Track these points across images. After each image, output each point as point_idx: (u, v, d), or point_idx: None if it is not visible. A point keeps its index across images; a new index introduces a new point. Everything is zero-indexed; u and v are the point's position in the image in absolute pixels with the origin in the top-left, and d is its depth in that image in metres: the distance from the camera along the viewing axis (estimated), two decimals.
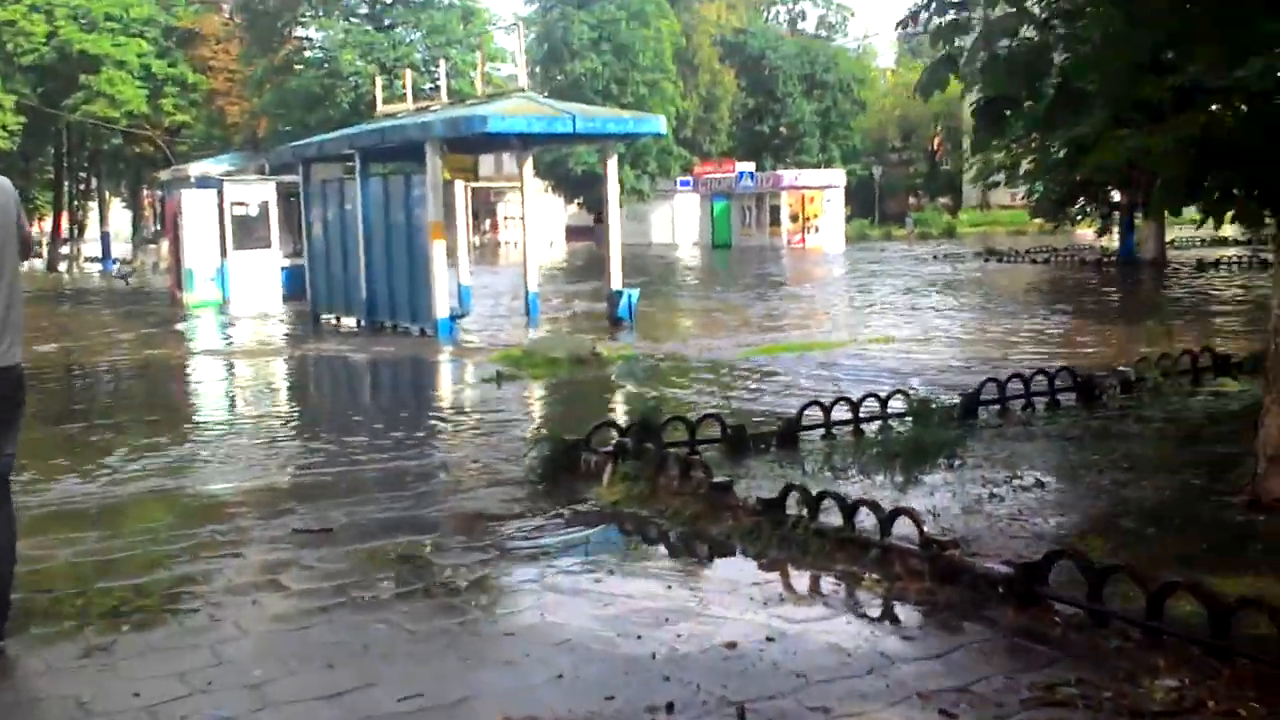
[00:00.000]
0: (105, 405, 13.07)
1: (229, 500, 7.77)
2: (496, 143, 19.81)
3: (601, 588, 5.44)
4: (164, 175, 30.40)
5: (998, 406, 9.47)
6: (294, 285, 26.02)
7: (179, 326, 21.71)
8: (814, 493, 6.04)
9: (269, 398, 13.45)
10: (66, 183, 53.05)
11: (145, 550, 6.34)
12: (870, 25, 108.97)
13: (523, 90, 18.70)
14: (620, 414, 10.46)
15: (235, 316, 23.77)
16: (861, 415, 8.93)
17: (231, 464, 8.89)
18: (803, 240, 56.22)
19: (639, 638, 4.68)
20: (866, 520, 5.67)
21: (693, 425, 8.32)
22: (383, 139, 18.95)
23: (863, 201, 70.61)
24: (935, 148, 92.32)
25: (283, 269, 26.65)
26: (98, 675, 4.45)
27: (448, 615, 5.10)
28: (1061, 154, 29.01)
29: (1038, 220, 66.11)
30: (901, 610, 4.96)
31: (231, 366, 16.61)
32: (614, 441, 7.76)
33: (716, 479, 6.65)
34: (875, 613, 4.99)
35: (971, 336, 16.38)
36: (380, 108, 22.20)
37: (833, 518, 5.86)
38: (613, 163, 19.39)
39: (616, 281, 19.49)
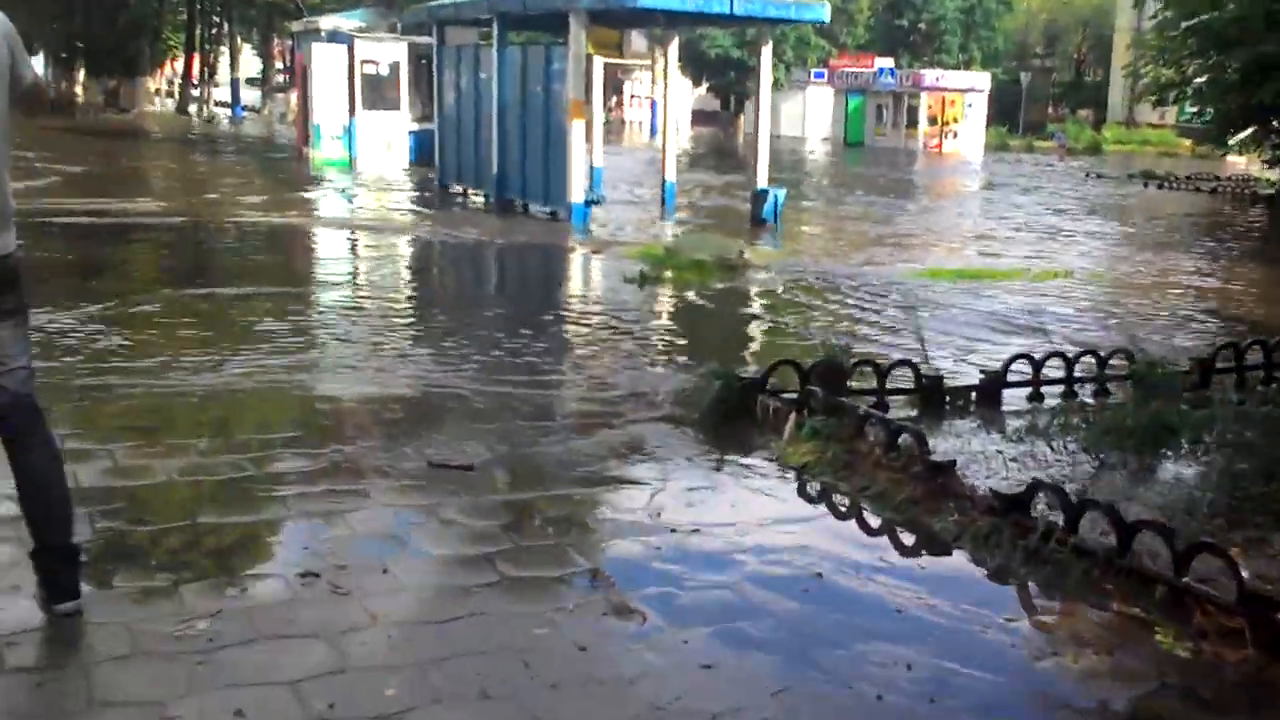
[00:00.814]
0: (225, 272, 12.28)
1: (354, 411, 6.84)
2: (643, 19, 18.37)
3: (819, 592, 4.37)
4: (295, 26, 29.47)
5: (1234, 376, 8.09)
6: (421, 150, 25.13)
7: (304, 187, 20.92)
8: (1073, 498, 4.84)
9: (399, 286, 12.27)
10: (199, 25, 52.55)
11: (259, 475, 5.42)
12: None
13: None
14: (782, 342, 9.29)
15: (361, 179, 22.94)
16: (1075, 375, 7.66)
17: (358, 366, 7.92)
18: (939, 145, 53.57)
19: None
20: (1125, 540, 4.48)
21: (884, 371, 7.14)
22: (525, 6, 17.62)
23: (1003, 108, 67.20)
24: (1081, 56, 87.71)
25: (411, 133, 25.74)
26: (192, 673, 3.51)
27: (624, 619, 4.08)
28: (1238, 76, 26.88)
29: (1187, 143, 63.45)
30: (1218, 691, 3.79)
31: (358, 243, 15.42)
32: (796, 389, 6.64)
33: (934, 456, 5.49)
34: (1179, 680, 3.83)
35: (1159, 279, 14.76)
36: None
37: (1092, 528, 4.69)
38: (767, 50, 17.91)
39: (763, 178, 18.12)
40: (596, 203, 17.56)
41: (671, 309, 11.11)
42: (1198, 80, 30.55)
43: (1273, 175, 34.28)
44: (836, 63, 58.87)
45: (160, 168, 24.79)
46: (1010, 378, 7.44)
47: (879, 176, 32.08)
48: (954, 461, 5.44)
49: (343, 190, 20.93)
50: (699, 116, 67.83)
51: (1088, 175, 36.25)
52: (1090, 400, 7.55)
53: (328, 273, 13.50)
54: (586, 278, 13.55)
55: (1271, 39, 26.57)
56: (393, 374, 7.64)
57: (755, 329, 10.07)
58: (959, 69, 61.83)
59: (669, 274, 12.77)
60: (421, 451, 5.84)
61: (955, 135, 54.16)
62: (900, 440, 5.67)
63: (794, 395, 6.57)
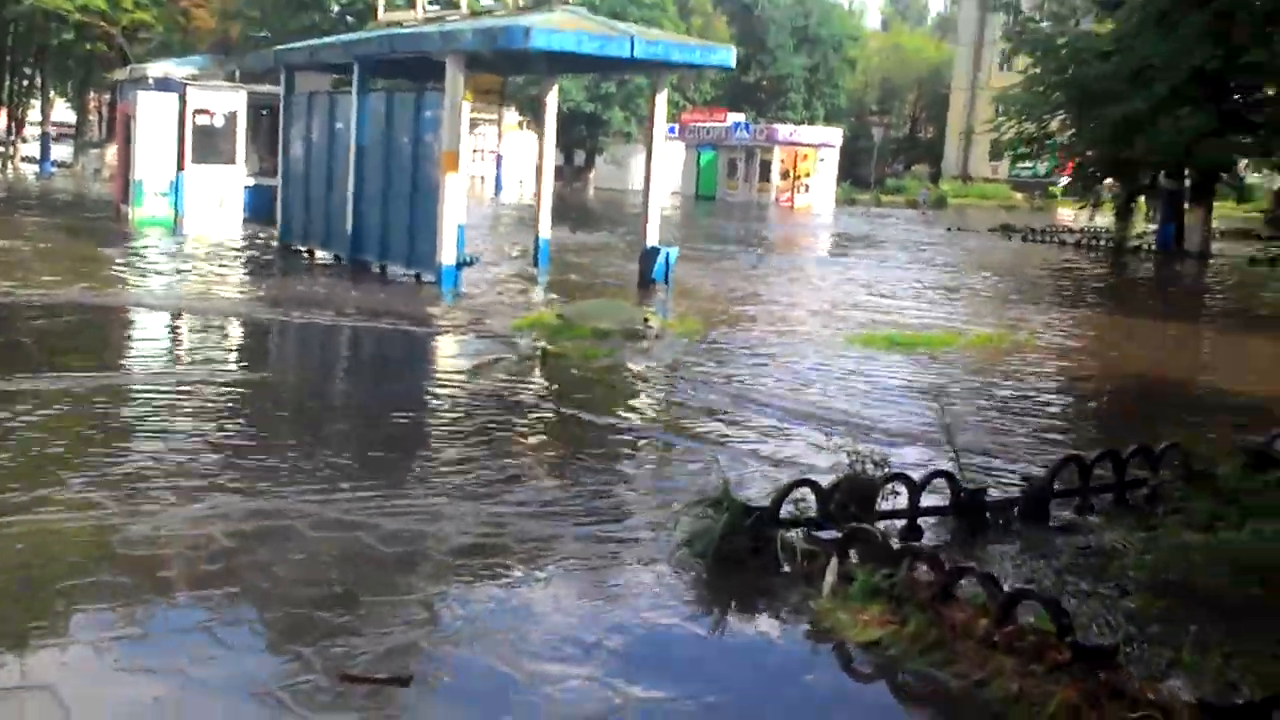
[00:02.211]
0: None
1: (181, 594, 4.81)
2: (529, 63, 16.62)
3: None
4: (120, 74, 26.73)
5: None
6: (258, 207, 22.81)
7: (119, 251, 18.00)
8: None
9: (230, 405, 8.25)
10: (8, 77, 48.55)
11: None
12: None
13: (565, 2, 15.51)
14: (763, 444, 7.58)
15: (188, 239, 20.42)
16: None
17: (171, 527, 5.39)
18: (790, 200, 53.34)
19: None
20: None
21: (918, 486, 5.50)
22: (392, 48, 15.72)
23: (844, 164, 67.86)
24: (916, 114, 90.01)
25: (247, 188, 23.35)
26: None
27: None
28: (1108, 131, 26.72)
29: (1019, 196, 65.08)
30: None
31: (177, 329, 11.98)
32: (818, 518, 4.94)
33: (1085, 639, 3.83)
34: None
35: (1090, 342, 13.66)
36: (382, 15, 18.85)
37: None
38: (662, 98, 16.32)
39: (653, 236, 16.49)
40: (469, 264, 15.65)
41: (592, 396, 9.27)
42: (1064, 135, 30.55)
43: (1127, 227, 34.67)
44: (688, 117, 58.28)
45: None
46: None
47: (745, 232, 31.00)
48: (1115, 648, 3.77)
49: (168, 254, 18.19)
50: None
51: (949, 229, 36.03)
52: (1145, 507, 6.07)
53: (125, 380, 8.78)
54: (472, 357, 11.00)
55: (1140, 97, 26.55)
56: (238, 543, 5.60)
57: (715, 424, 8.14)
58: (802, 124, 62.15)
59: (569, 347, 10.99)
60: (323, 656, 3.90)
61: (807, 189, 54.02)
62: (1013, 609, 4.00)
63: (830, 531, 4.86)
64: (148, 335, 11.67)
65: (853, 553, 4.65)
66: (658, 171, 16.57)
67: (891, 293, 17.21)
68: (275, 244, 19.40)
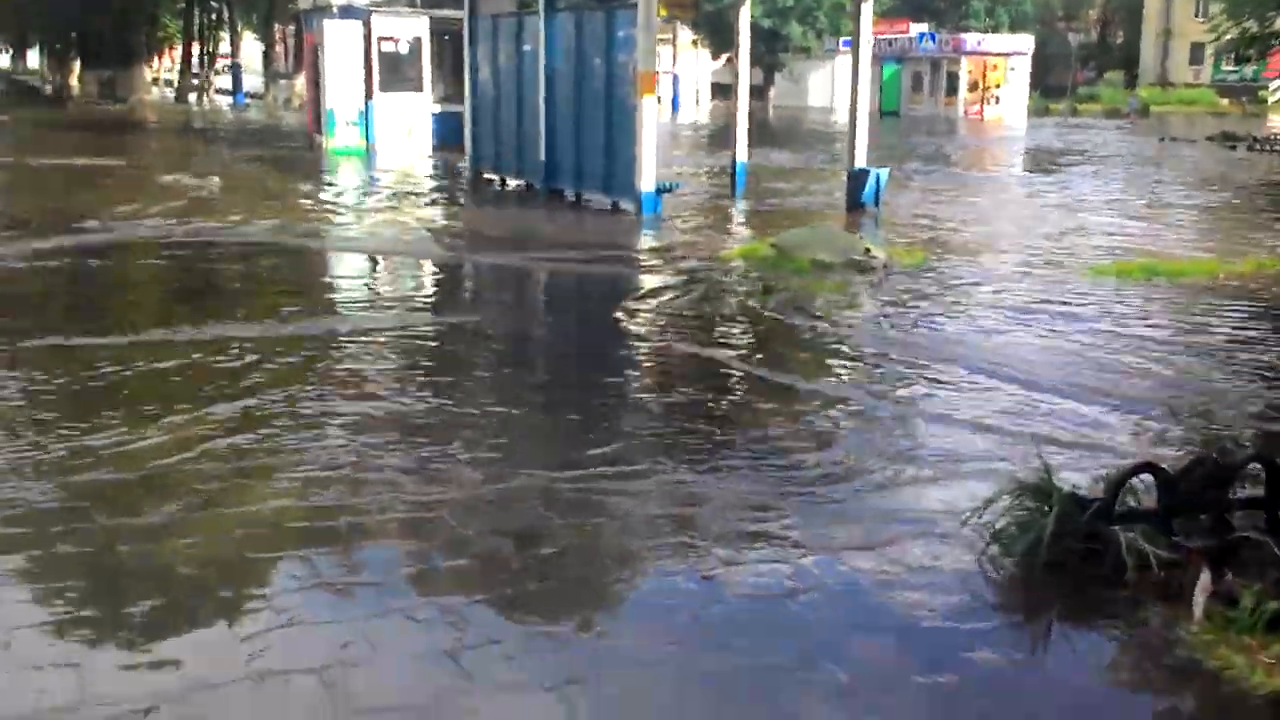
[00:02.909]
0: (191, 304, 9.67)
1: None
2: None
3: None
4: (304, 3, 26.72)
5: None
6: (446, 134, 22.58)
7: (315, 184, 18.04)
8: None
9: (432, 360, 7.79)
10: (197, 11, 49.71)
11: None
12: None
13: None
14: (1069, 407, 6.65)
15: (381, 169, 20.26)
16: None
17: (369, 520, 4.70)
18: (980, 112, 50.67)
19: None
20: None
21: (1275, 464, 4.52)
22: None
23: (1035, 73, 64.17)
24: (1108, 18, 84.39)
25: (434, 116, 23.11)
26: None
27: None
28: None
29: (1225, 101, 60.42)
30: None
31: (375, 273, 11.16)
32: (1156, 511, 4.05)
33: None
34: None
35: None
36: None
37: None
38: (868, 6, 15.13)
39: (861, 156, 15.40)
40: (668, 190, 14.91)
41: (835, 336, 8.38)
42: None
43: None
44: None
45: (156, 162, 22.11)
46: None
47: (940, 149, 29.27)
48: None
49: (364, 186, 18.12)
50: (717, 90, 64.95)
51: (1161, 139, 33.46)
52: None
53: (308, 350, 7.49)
54: (688, 291, 9.97)
55: None
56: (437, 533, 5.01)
57: (1001, 397, 6.65)
58: (988, 33, 58.89)
59: (789, 279, 10.17)
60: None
61: (997, 101, 51.26)
62: None
63: (1202, 543, 3.96)
64: (356, 278, 11.28)
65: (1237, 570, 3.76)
66: (864, 86, 15.39)
67: (1122, 213, 15.75)
68: (466, 173, 19.01)
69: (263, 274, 10.56)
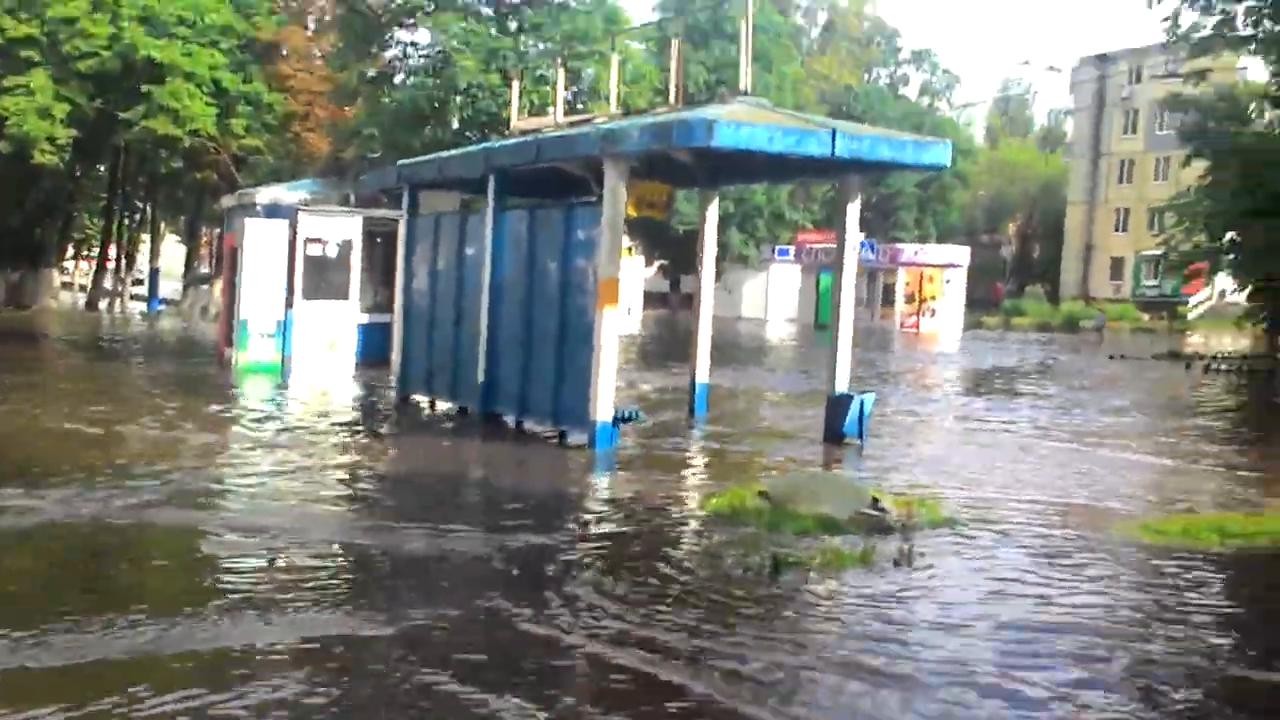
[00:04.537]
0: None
1: None
2: (689, 169, 14.14)
3: None
4: (227, 201, 25.08)
5: None
6: (370, 348, 20.68)
7: (207, 412, 14.99)
8: None
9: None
10: (118, 209, 47.91)
11: None
12: (972, 94, 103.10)
13: (745, 93, 13.05)
14: None
15: (294, 393, 18.08)
16: None
17: None
18: (916, 325, 50.32)
19: None
20: None
21: None
22: (538, 156, 13.33)
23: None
24: (1029, 231, 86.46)
25: (360, 326, 21.23)
26: None
27: None
28: None
29: (1146, 316, 60.86)
30: None
31: (256, 568, 7.48)
32: None
33: None
34: None
35: None
36: (517, 123, 16.69)
37: None
38: (853, 208, 13.63)
39: (843, 380, 13.69)
40: (628, 420, 13.00)
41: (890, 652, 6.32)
42: (1250, 244, 27.29)
43: None
44: (805, 238, 55.90)
45: (39, 382, 19.76)
46: None
47: (896, 367, 28.00)
48: None
49: (263, 418, 15.22)
50: (650, 298, 64.45)
51: (1111, 356, 32.67)
52: None
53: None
54: (677, 567, 7.78)
55: None
56: None
57: None
58: (920, 244, 59.43)
59: (794, 543, 8.18)
60: None
61: (933, 313, 51.03)
62: None
63: None
64: (189, 592, 8.92)
65: None
66: (847, 299, 13.76)
67: (1130, 445, 14.13)
68: (392, 394, 16.95)
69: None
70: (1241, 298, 34.46)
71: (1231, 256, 29.63)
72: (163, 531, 8.30)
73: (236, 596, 6.58)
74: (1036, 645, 6.13)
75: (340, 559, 7.84)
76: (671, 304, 62.45)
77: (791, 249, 56.85)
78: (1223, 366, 29.42)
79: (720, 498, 9.69)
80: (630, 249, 60.43)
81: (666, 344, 33.81)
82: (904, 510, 9.35)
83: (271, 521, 8.54)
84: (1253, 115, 30.35)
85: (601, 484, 11.04)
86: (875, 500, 9.46)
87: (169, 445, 11.87)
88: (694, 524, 9.19)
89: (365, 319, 21.23)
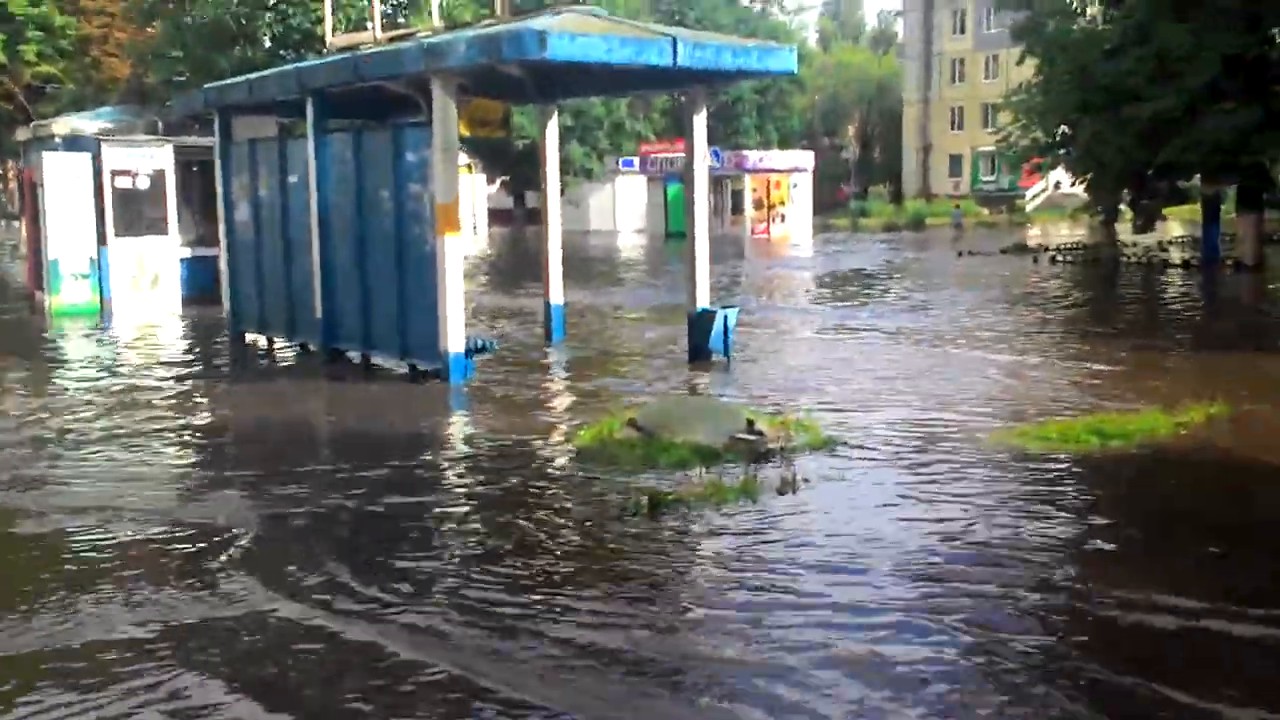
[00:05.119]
0: None
1: None
2: (522, 84, 13.18)
3: None
4: (22, 134, 22.96)
5: None
6: (198, 283, 19.32)
7: (21, 367, 13.82)
8: None
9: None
10: None
11: None
12: None
13: (578, 2, 12.11)
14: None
15: (115, 336, 16.69)
16: None
17: None
18: (767, 230, 50.15)
19: None
20: None
21: None
22: (357, 74, 12.17)
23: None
24: (868, 133, 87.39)
25: (183, 261, 19.75)
26: None
27: None
28: (1133, 133, 23.95)
29: (985, 211, 62.44)
30: None
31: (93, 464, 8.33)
32: None
33: None
34: None
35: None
36: (333, 39, 15.38)
37: None
38: (700, 119, 12.92)
39: (704, 295, 13.09)
40: (482, 350, 12.16)
41: (773, 589, 5.75)
42: (1083, 137, 27.54)
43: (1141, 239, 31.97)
44: (649, 148, 55.02)
45: None
46: None
47: (750, 276, 27.65)
48: None
49: (80, 364, 14.13)
50: (495, 215, 63.00)
51: (959, 253, 32.97)
52: None
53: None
54: (541, 511, 7.19)
55: (1171, 92, 23.76)
56: None
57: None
58: (759, 149, 59.16)
59: (666, 477, 7.59)
60: None
61: (783, 219, 50.91)
62: None
63: None
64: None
65: None
66: (701, 212, 13.15)
67: (991, 347, 13.92)
68: (226, 334, 15.71)
69: None
70: (1077, 189, 35.05)
71: (1065, 150, 29.90)
72: None
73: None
74: (943, 591, 5.65)
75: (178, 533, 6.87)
76: (516, 220, 61.17)
77: (636, 159, 55.91)
78: (1068, 258, 29.95)
79: (588, 430, 9.04)
80: (470, 166, 58.78)
81: (515, 262, 32.82)
82: (781, 432, 8.85)
83: (70, 502, 7.45)
84: (1077, 10, 30.58)
85: (457, 422, 10.23)
86: (750, 423, 8.94)
87: None
88: (561, 461, 8.48)
89: (188, 253, 19.81)
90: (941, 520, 6.68)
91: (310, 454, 9.13)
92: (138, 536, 6.72)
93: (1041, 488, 7.48)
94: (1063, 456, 8.20)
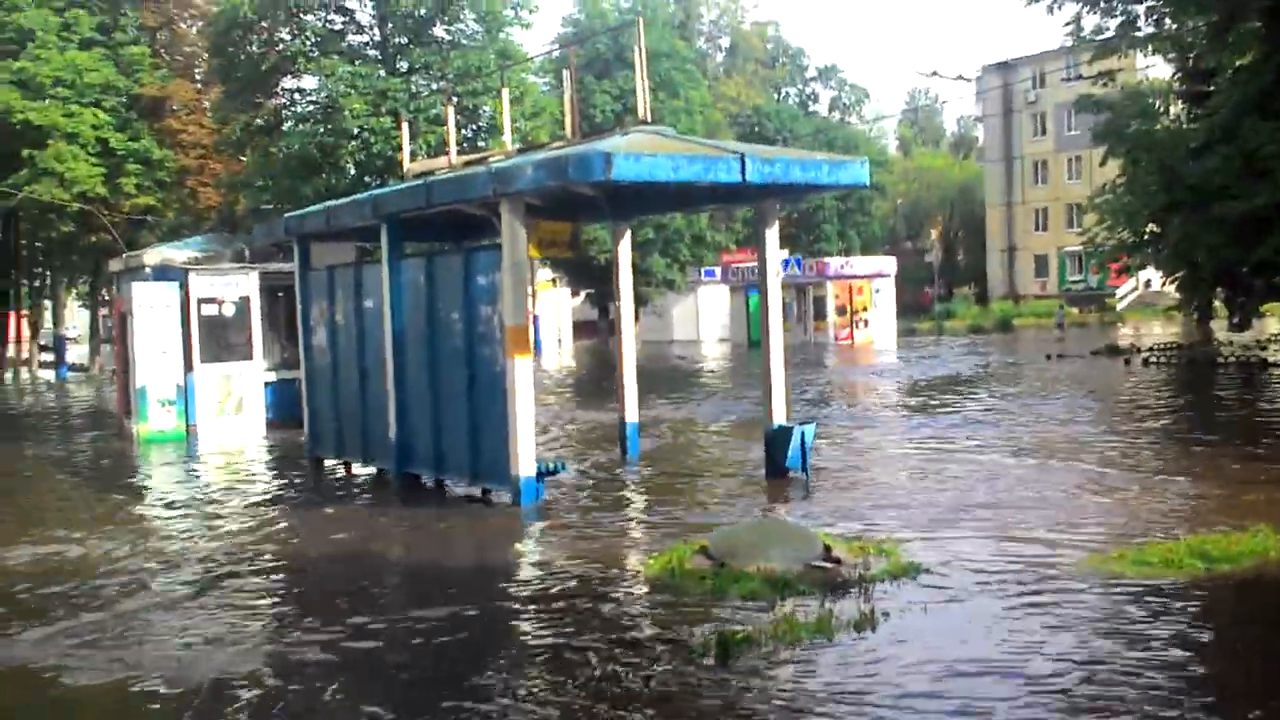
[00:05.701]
0: None
1: None
2: (594, 203, 13.22)
3: None
4: (114, 265, 23.69)
5: None
6: (283, 406, 19.49)
7: (101, 503, 13.43)
8: None
9: None
10: (14, 274, 45.88)
11: None
12: (881, 107, 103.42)
13: (646, 123, 12.17)
14: None
15: (200, 462, 16.85)
16: None
17: None
18: (850, 336, 49.77)
19: None
20: None
21: None
22: (429, 200, 12.28)
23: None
24: (951, 236, 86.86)
25: (267, 385, 20.00)
26: None
27: None
28: (1224, 231, 23.29)
29: (1076, 310, 61.27)
30: None
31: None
32: None
33: None
34: None
35: None
36: (410, 165, 15.64)
37: None
38: (773, 233, 12.79)
39: (780, 411, 12.79)
40: (553, 472, 11.98)
41: None
42: (1172, 240, 26.89)
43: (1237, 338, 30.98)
44: (730, 258, 55.20)
45: None
46: None
47: (835, 384, 27.23)
48: None
49: (161, 496, 14.07)
50: (580, 328, 63.47)
51: (1048, 356, 32.20)
52: None
53: None
54: (607, 656, 6.67)
55: (1264, 190, 23.11)
56: None
57: None
58: (840, 256, 59.02)
59: (755, 629, 7.19)
60: None
61: (865, 324, 50.52)
62: None
63: None
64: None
65: None
66: (775, 327, 12.91)
67: (1079, 461, 13.32)
68: (305, 458, 15.76)
69: None
70: (1169, 287, 34.16)
71: (1153, 249, 29.23)
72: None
73: None
74: None
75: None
76: (601, 332, 61.52)
77: (718, 269, 56.14)
78: (1160, 359, 29.09)
79: (657, 559, 8.72)
80: (555, 280, 59.62)
81: (596, 375, 32.77)
82: (859, 557, 8.46)
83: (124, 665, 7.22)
84: (1159, 111, 30.21)
85: (525, 553, 9.95)
86: (827, 549, 8.56)
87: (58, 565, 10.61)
88: (629, 595, 8.17)
89: (273, 377, 20.05)
90: (1028, 658, 6.23)
91: (375, 588, 8.94)
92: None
93: (1140, 620, 6.97)
94: (1163, 585, 7.67)
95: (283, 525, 11.61)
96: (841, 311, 50.44)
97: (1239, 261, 25.39)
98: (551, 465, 12.00)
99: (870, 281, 51.03)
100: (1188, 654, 6.44)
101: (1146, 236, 29.24)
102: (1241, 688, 5.91)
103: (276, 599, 8.81)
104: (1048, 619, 6.99)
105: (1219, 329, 34.11)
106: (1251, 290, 27.46)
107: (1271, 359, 27.30)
